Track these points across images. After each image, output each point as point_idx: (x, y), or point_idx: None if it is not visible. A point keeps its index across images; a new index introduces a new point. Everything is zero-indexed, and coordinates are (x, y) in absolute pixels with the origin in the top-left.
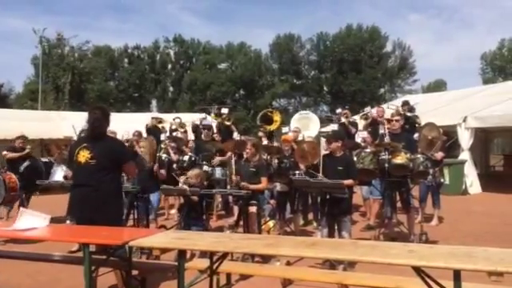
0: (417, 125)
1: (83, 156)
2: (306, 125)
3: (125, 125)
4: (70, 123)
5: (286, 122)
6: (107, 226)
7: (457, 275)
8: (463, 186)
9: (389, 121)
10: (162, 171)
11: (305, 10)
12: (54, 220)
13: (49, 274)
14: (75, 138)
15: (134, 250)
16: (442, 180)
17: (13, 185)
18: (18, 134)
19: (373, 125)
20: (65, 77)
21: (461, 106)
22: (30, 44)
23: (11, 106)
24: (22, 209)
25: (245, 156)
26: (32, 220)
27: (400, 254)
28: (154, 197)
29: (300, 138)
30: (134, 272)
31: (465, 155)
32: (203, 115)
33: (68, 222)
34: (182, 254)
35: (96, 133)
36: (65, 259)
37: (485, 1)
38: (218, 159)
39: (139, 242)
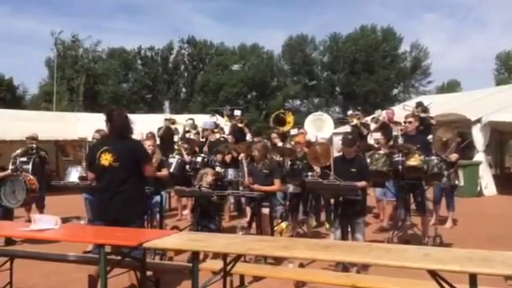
0: (432, 126)
1: (106, 159)
2: (320, 126)
3: (138, 126)
4: (84, 124)
5: (298, 123)
6: (129, 226)
7: (473, 279)
8: (478, 188)
9: (398, 123)
10: (164, 171)
11: (315, 10)
12: (68, 220)
13: (64, 274)
14: (89, 139)
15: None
16: (456, 182)
17: (33, 186)
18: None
19: (383, 128)
20: (79, 78)
21: (475, 107)
22: (43, 46)
23: (26, 108)
24: (31, 215)
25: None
26: (48, 221)
27: (415, 258)
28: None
29: (313, 140)
30: (149, 273)
31: (480, 156)
32: (214, 118)
33: (82, 222)
34: (195, 255)
35: (116, 134)
36: (80, 259)
37: (500, 0)
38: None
39: (154, 244)
